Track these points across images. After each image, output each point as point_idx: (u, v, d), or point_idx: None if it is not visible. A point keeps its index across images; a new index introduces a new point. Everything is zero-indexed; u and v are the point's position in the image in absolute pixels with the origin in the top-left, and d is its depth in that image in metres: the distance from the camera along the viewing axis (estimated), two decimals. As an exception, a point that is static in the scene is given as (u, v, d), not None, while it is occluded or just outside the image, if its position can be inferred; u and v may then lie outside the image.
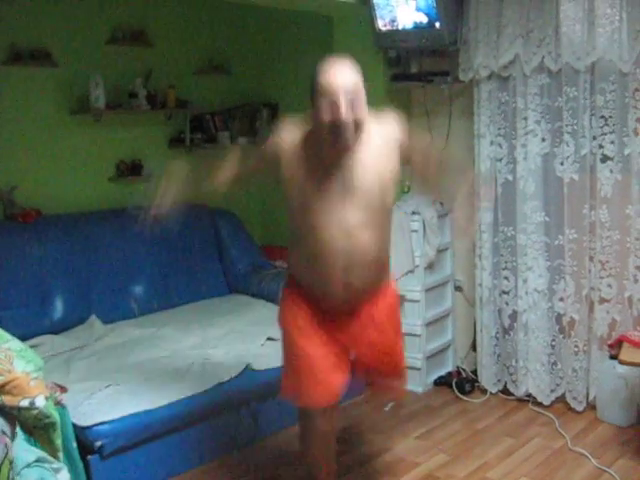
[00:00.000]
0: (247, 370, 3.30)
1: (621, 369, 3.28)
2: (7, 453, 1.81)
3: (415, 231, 3.86)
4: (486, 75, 3.63)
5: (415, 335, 3.88)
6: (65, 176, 4.13)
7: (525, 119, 3.57)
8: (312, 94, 2.19)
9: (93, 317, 3.82)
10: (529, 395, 3.74)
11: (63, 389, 2.64)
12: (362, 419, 3.61)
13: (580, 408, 3.59)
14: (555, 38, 3.38)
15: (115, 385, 3.01)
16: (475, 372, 3.99)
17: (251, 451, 3.30)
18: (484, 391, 3.89)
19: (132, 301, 4.05)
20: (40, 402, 1.95)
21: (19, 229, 3.76)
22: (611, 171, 3.38)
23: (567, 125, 3.44)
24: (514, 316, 3.75)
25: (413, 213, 3.84)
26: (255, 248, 4.66)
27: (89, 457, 2.74)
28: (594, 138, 3.41)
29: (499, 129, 3.68)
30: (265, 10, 4.66)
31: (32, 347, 2.79)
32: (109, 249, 4.02)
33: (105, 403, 2.86)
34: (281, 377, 2.53)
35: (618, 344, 3.18)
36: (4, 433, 1.85)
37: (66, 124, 4.11)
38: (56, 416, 2.02)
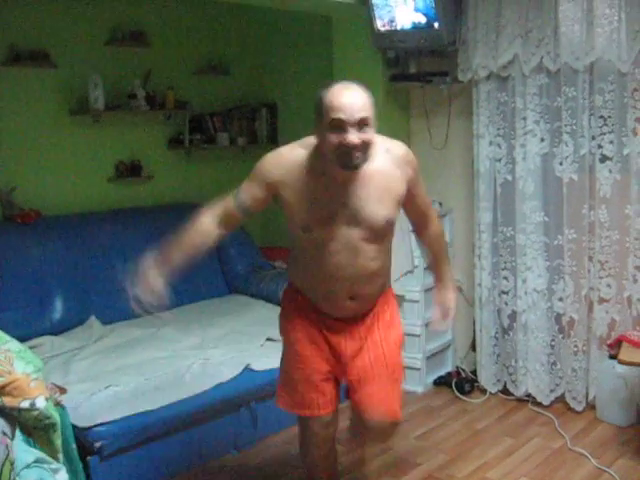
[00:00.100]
0: (247, 370, 3.30)
1: (620, 369, 3.28)
2: (8, 454, 1.81)
3: (413, 231, 3.85)
4: (485, 75, 3.63)
5: (414, 335, 3.88)
6: (64, 177, 4.14)
7: (524, 119, 3.57)
8: (318, 114, 2.10)
9: (92, 318, 3.82)
10: (529, 395, 3.75)
11: (63, 390, 2.65)
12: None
13: (580, 408, 3.59)
14: (554, 38, 3.38)
15: (115, 386, 3.00)
16: (475, 372, 3.99)
17: (251, 452, 3.30)
18: (484, 391, 3.89)
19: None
20: (40, 403, 1.95)
21: (18, 230, 3.76)
22: (610, 171, 3.38)
23: (566, 125, 3.44)
24: (513, 316, 3.75)
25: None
26: (254, 249, 4.66)
27: (89, 458, 2.73)
28: (593, 138, 3.41)
29: (498, 129, 3.69)
30: (264, 11, 4.67)
31: (31, 348, 2.80)
32: (108, 250, 4.02)
33: (104, 404, 2.86)
34: (277, 386, 2.52)
35: (617, 344, 3.18)
36: (5, 434, 1.85)
37: (65, 125, 4.12)
38: (56, 417, 2.02)
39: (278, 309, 2.57)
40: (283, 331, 2.50)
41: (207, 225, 2.31)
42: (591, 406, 3.59)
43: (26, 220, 3.82)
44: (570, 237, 3.52)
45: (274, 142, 4.89)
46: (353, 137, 2.04)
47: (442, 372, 4.08)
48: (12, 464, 1.82)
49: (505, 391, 3.85)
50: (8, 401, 1.91)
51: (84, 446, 2.68)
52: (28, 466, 1.94)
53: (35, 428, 1.98)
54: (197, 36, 4.74)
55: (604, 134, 3.37)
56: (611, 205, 3.40)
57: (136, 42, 4.33)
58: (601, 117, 3.36)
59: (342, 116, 2.03)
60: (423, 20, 3.59)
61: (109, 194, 4.34)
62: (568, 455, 3.19)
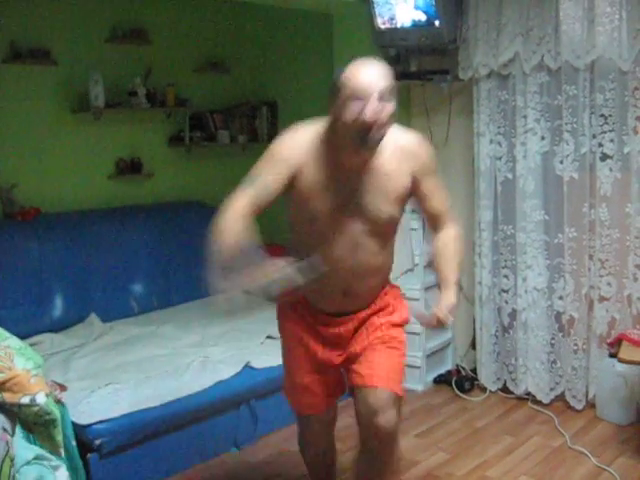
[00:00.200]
0: (246, 368, 3.30)
1: (620, 367, 3.28)
2: (8, 450, 1.81)
3: (414, 230, 3.86)
4: (486, 73, 3.63)
5: (415, 333, 3.87)
6: (65, 174, 4.13)
7: (525, 117, 3.57)
8: (335, 91, 2.00)
9: (92, 315, 3.82)
10: (528, 393, 3.75)
11: (63, 387, 2.65)
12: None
13: (579, 406, 3.59)
14: (555, 36, 3.38)
15: (114, 383, 3.00)
16: (474, 370, 3.99)
17: (251, 449, 3.30)
18: (484, 389, 3.89)
19: (132, 299, 4.06)
20: (41, 399, 1.95)
21: (18, 227, 3.76)
22: (611, 169, 3.38)
23: (567, 123, 3.44)
24: (513, 314, 3.75)
25: (412, 212, 3.83)
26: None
27: (88, 455, 2.73)
28: (594, 136, 3.41)
29: (499, 127, 3.69)
30: (265, 8, 4.66)
31: (32, 345, 2.79)
32: (109, 247, 4.02)
33: (104, 401, 2.86)
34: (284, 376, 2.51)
35: (617, 342, 3.18)
36: (5, 430, 1.85)
37: (66, 122, 4.11)
38: (57, 412, 2.02)
39: (278, 307, 2.56)
40: (280, 328, 2.47)
41: (239, 228, 2.06)
42: (591, 404, 3.59)
43: (26, 217, 3.82)
44: (570, 235, 3.51)
45: (274, 140, 4.87)
46: (373, 108, 1.95)
47: (442, 370, 4.08)
48: (12, 460, 1.82)
49: (505, 389, 3.85)
50: (8, 397, 1.91)
51: (84, 443, 2.67)
52: (28, 463, 1.94)
53: (35, 424, 1.98)
54: (198, 33, 4.74)
55: (605, 132, 3.37)
56: (611, 204, 3.40)
57: (137, 39, 4.32)
58: (602, 115, 3.36)
59: (361, 91, 1.96)
60: (423, 18, 3.59)
61: (109, 192, 4.34)
62: (568, 453, 3.19)
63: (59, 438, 2.03)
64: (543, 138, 3.56)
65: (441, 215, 2.27)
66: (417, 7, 3.58)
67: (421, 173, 2.18)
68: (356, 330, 2.31)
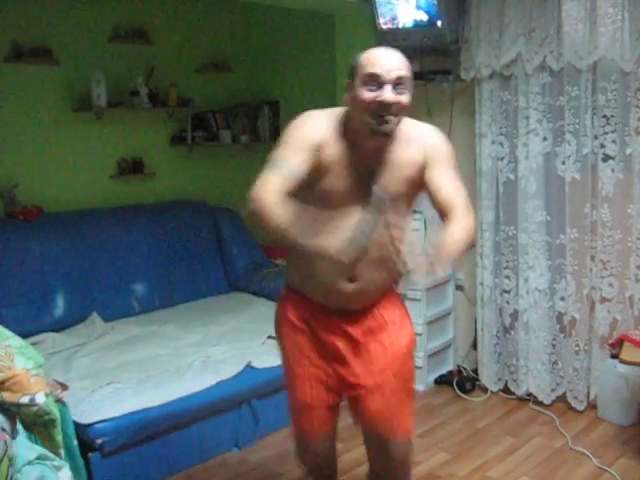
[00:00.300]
0: (248, 368, 3.31)
1: (622, 368, 3.28)
2: (7, 450, 1.80)
3: (416, 230, 3.85)
4: (488, 74, 3.63)
5: (416, 334, 3.86)
6: (66, 174, 4.14)
7: (527, 118, 3.56)
8: (352, 75, 1.99)
9: (94, 315, 3.82)
10: (530, 394, 3.74)
11: (64, 387, 2.65)
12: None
13: (581, 407, 3.59)
14: (557, 37, 3.38)
15: (116, 383, 3.01)
16: (476, 371, 3.99)
17: (252, 449, 3.30)
18: (485, 390, 3.89)
19: (133, 299, 4.06)
20: (40, 399, 1.94)
21: (20, 226, 3.77)
22: (613, 170, 3.37)
23: (569, 124, 3.44)
24: (515, 315, 3.75)
25: (414, 212, 3.82)
26: (256, 246, 4.66)
27: (90, 455, 2.74)
28: (596, 137, 3.40)
29: (501, 128, 3.68)
30: (267, 8, 4.66)
31: (33, 345, 2.79)
32: (110, 247, 4.02)
33: (106, 401, 2.86)
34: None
35: (619, 343, 3.18)
36: (4, 430, 1.84)
37: (68, 122, 4.12)
38: (56, 412, 2.01)
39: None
40: (277, 335, 2.37)
41: (280, 203, 1.99)
42: (592, 405, 3.59)
43: (28, 217, 3.83)
44: (572, 236, 3.51)
45: (276, 140, 4.87)
46: (388, 94, 1.91)
47: (443, 371, 4.08)
48: (10, 460, 1.82)
49: (506, 390, 3.85)
50: (8, 396, 1.90)
51: (85, 443, 2.68)
52: (30, 463, 1.94)
53: (35, 424, 1.98)
54: (200, 33, 4.74)
55: (607, 133, 3.37)
56: (613, 204, 3.39)
57: (139, 39, 4.33)
58: (604, 116, 3.36)
59: (379, 70, 1.93)
60: (425, 18, 3.59)
61: (111, 191, 4.34)
62: (569, 454, 3.19)
63: (59, 438, 2.02)
64: (545, 139, 3.55)
65: (452, 208, 2.13)
66: (419, 7, 3.58)
67: (434, 162, 2.12)
68: (358, 344, 2.20)
